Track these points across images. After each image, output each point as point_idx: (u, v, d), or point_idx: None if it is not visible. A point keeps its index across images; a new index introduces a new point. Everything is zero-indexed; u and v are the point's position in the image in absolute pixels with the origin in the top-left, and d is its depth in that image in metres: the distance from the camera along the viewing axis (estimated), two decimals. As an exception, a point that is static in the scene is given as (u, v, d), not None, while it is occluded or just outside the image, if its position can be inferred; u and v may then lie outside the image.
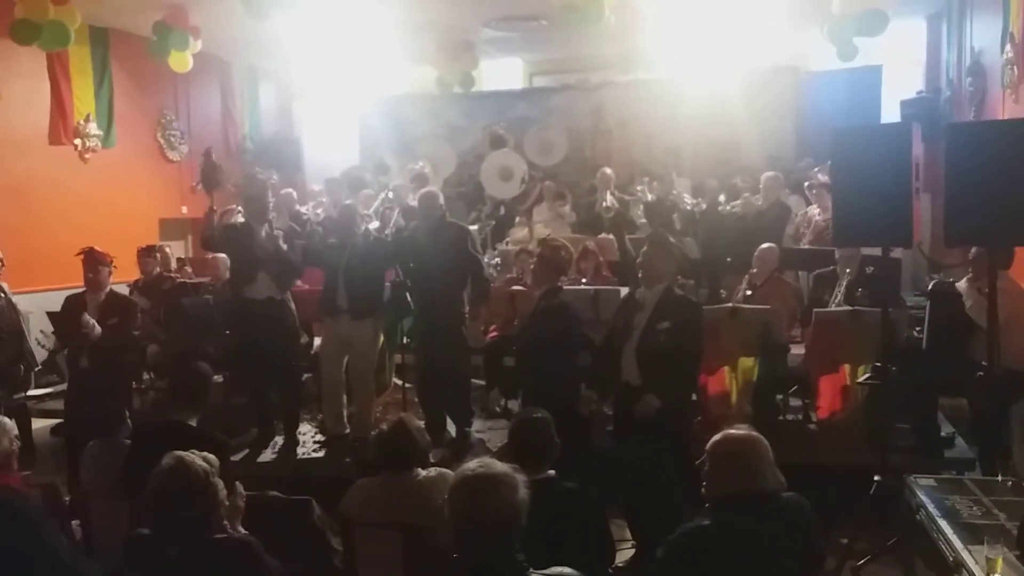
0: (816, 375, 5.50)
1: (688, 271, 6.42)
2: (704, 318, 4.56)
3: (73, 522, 3.86)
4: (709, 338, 4.75)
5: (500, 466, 2.09)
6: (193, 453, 2.62)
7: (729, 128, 10.18)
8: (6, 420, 3.13)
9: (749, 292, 6.05)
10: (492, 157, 10.13)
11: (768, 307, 5.63)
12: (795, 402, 5.99)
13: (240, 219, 6.22)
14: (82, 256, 5.55)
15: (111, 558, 3.45)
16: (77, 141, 8.98)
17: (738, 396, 5.43)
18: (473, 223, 8.26)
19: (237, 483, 2.89)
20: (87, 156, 9.13)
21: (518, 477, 2.06)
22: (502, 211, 9.71)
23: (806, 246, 7.28)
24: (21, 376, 5.99)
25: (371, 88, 11.74)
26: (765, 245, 6.33)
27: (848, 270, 5.82)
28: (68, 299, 5.62)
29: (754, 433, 2.64)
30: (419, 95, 11.59)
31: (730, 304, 5.79)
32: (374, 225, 6.50)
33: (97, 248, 5.67)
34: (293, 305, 5.91)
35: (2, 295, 5.96)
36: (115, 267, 5.83)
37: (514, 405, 6.24)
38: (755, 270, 6.22)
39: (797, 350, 5.85)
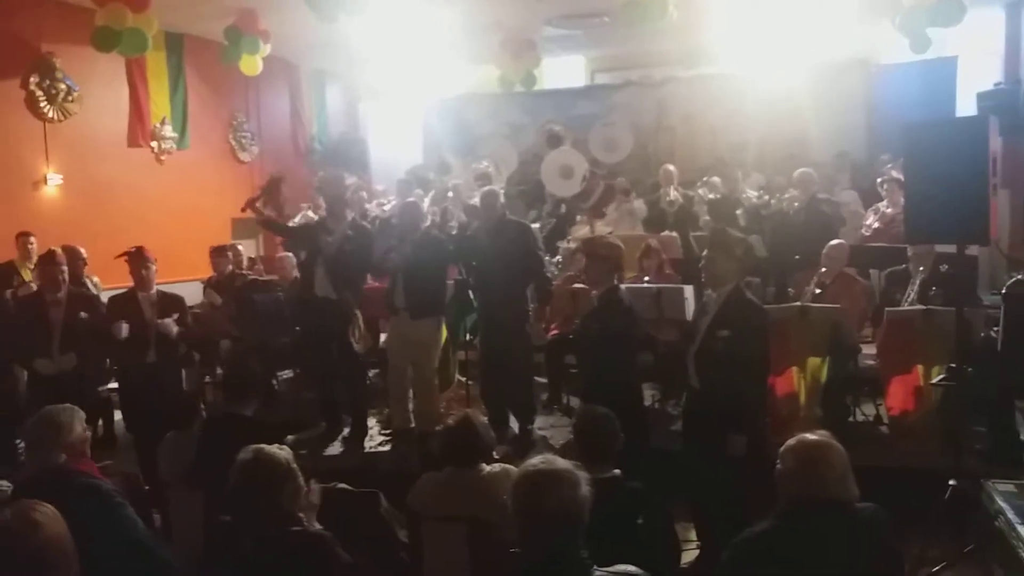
0: (888, 376, 5.36)
1: (754, 269, 6.32)
2: (772, 317, 4.46)
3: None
4: (777, 338, 4.65)
5: (562, 462, 2.10)
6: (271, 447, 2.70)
7: (797, 123, 10.00)
8: (76, 408, 3.26)
9: (818, 291, 5.91)
10: (553, 155, 10.11)
11: (838, 306, 5.50)
12: (866, 403, 5.85)
13: (312, 216, 6.36)
14: (128, 256, 5.65)
15: (188, 546, 3.60)
16: (153, 144, 9.31)
17: (807, 397, 5.32)
18: (534, 221, 8.28)
19: (312, 479, 2.96)
20: (163, 158, 9.46)
21: (580, 474, 2.07)
22: (563, 209, 9.69)
23: (873, 244, 7.09)
24: (106, 369, 6.23)
25: (434, 88, 11.88)
26: (834, 242, 6.18)
27: (921, 268, 5.65)
28: (113, 300, 5.73)
29: (831, 440, 2.56)
30: (481, 94, 11.68)
31: (799, 303, 5.68)
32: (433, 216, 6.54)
33: (145, 248, 5.84)
34: (353, 305, 6.01)
35: (92, 290, 6.22)
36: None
37: (576, 403, 6.24)
38: (824, 268, 6.08)
39: (868, 350, 5.71)
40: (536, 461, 2.10)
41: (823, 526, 2.43)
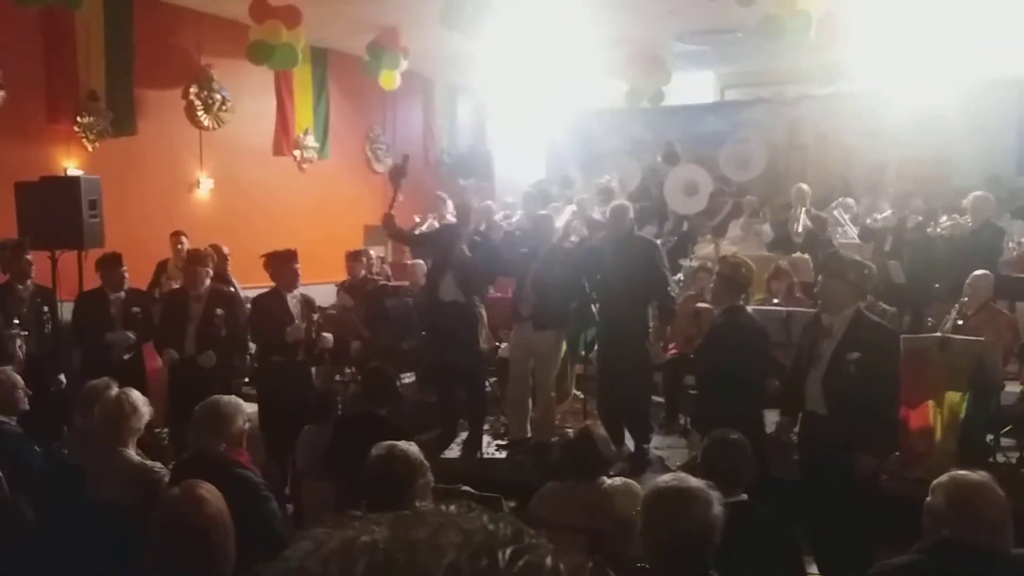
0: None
1: (878, 293, 6.05)
2: (909, 347, 4.29)
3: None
4: (914, 369, 4.46)
5: (695, 481, 2.11)
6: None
7: (940, 144, 9.52)
8: (241, 401, 3.49)
9: (960, 322, 5.62)
10: (677, 171, 10.02)
11: (982, 339, 5.21)
12: (1008, 444, 5.50)
13: (436, 224, 6.58)
14: (278, 256, 5.76)
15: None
16: (296, 152, 9.83)
17: (943, 433, 5.06)
18: (655, 238, 8.22)
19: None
20: (304, 166, 9.97)
21: (713, 494, 2.08)
22: (685, 227, 9.57)
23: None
24: (243, 365, 6.60)
25: (561, 104, 11.99)
26: (979, 272, 5.85)
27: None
28: (261, 300, 5.90)
29: (991, 482, 2.41)
30: (605, 110, 11.69)
31: (939, 334, 5.41)
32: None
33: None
34: (483, 311, 6.15)
35: (232, 288, 6.62)
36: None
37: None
38: (966, 298, 5.76)
39: (1012, 387, 5.38)
40: (668, 478, 2.12)
41: (974, 571, 2.30)
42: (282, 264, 5.70)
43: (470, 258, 6.00)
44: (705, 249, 8.77)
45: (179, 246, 7.48)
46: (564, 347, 6.27)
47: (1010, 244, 7.30)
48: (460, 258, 5.97)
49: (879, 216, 7.83)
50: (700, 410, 4.96)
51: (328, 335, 5.87)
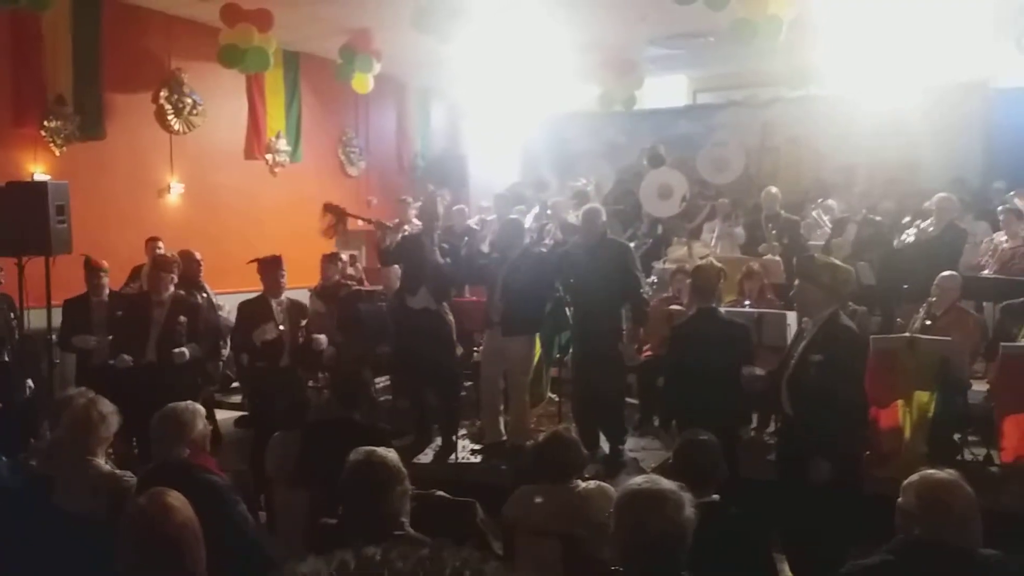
0: (1002, 414, 5.11)
1: (860, 297, 6.13)
2: (879, 347, 4.34)
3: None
4: (883, 369, 4.51)
5: (667, 483, 2.12)
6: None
7: (908, 147, 9.67)
8: (197, 405, 3.46)
9: (928, 322, 5.70)
10: (653, 175, 10.07)
11: (949, 339, 5.29)
12: (975, 442, 5.59)
13: (410, 231, 6.57)
14: (261, 263, 5.86)
15: (291, 543, 3.76)
16: (268, 156, 9.75)
17: (912, 432, 5.13)
18: (629, 241, 8.26)
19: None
20: (276, 170, 9.90)
21: (685, 495, 2.09)
22: (659, 230, 9.63)
23: (988, 275, 6.77)
24: (216, 372, 6.55)
25: (534, 107, 12.02)
26: (947, 273, 5.95)
27: (1043, 303, 5.38)
28: (245, 305, 5.93)
29: (960, 481, 2.43)
30: (580, 113, 11.74)
31: (908, 334, 5.49)
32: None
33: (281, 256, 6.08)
34: (451, 317, 6.16)
35: (205, 295, 6.56)
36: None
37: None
38: (934, 299, 5.86)
39: (979, 387, 5.47)
40: (640, 480, 2.12)
41: (943, 571, 2.32)
42: (266, 270, 5.78)
43: (444, 266, 5.99)
44: (678, 252, 8.82)
45: (156, 252, 7.39)
46: (538, 351, 6.28)
47: (981, 245, 7.40)
48: (435, 267, 5.96)
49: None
50: (670, 411, 4.98)
51: (321, 336, 5.85)
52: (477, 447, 6.17)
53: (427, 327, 6.00)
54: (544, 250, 6.45)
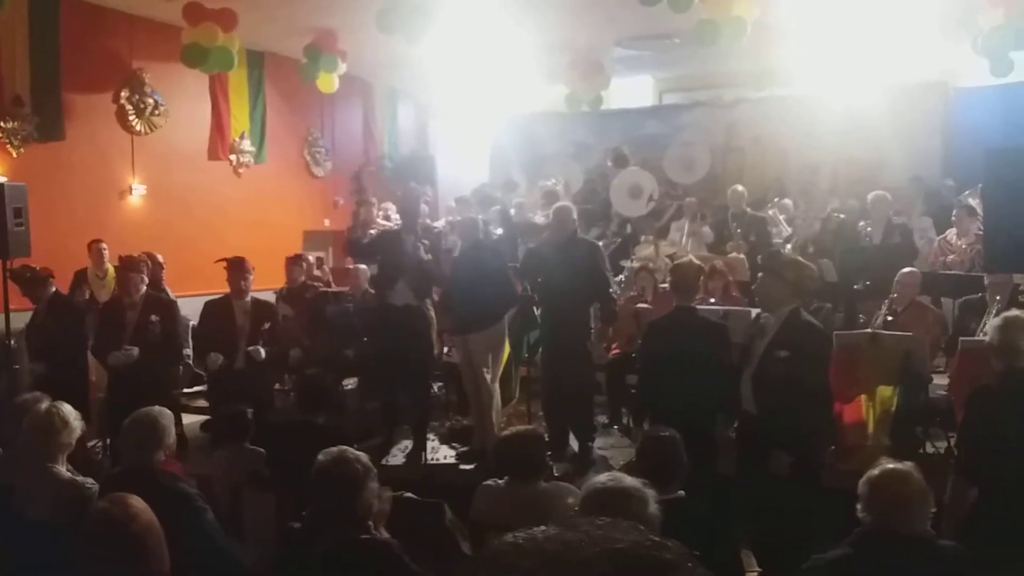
0: (961, 407, 5.20)
1: (823, 294, 6.20)
2: (841, 343, 4.40)
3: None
4: (846, 364, 4.57)
5: (630, 480, 2.14)
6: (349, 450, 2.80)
7: (871, 146, 9.81)
8: (167, 410, 3.41)
9: (890, 318, 5.80)
10: (623, 175, 10.13)
11: (910, 334, 5.39)
12: (937, 435, 5.69)
13: (388, 225, 6.54)
14: (228, 264, 5.86)
15: (260, 548, 3.72)
16: (232, 157, 9.64)
17: (875, 426, 5.21)
18: (597, 240, 8.29)
19: (384, 487, 3.04)
20: (240, 171, 9.79)
21: (648, 492, 2.10)
22: (628, 229, 9.68)
23: (942, 271, 6.89)
24: (178, 375, 6.47)
25: (502, 107, 12.03)
26: (907, 269, 6.05)
27: (999, 298, 5.49)
28: (209, 306, 5.97)
29: (915, 472, 2.49)
30: (548, 113, 11.76)
31: (869, 329, 5.58)
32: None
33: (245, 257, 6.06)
34: (432, 314, 6.10)
35: (164, 296, 6.48)
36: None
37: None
38: (895, 295, 5.96)
39: (940, 380, 5.56)
40: (604, 478, 2.13)
41: (903, 561, 2.36)
42: (230, 272, 5.79)
43: (427, 262, 5.95)
44: (645, 250, 8.87)
45: (100, 254, 7.28)
46: (507, 349, 6.26)
47: (934, 243, 7.52)
48: (414, 261, 5.90)
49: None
50: (642, 408, 4.99)
51: (258, 348, 5.80)
52: (450, 449, 6.15)
53: (408, 323, 5.93)
54: (490, 242, 6.39)
